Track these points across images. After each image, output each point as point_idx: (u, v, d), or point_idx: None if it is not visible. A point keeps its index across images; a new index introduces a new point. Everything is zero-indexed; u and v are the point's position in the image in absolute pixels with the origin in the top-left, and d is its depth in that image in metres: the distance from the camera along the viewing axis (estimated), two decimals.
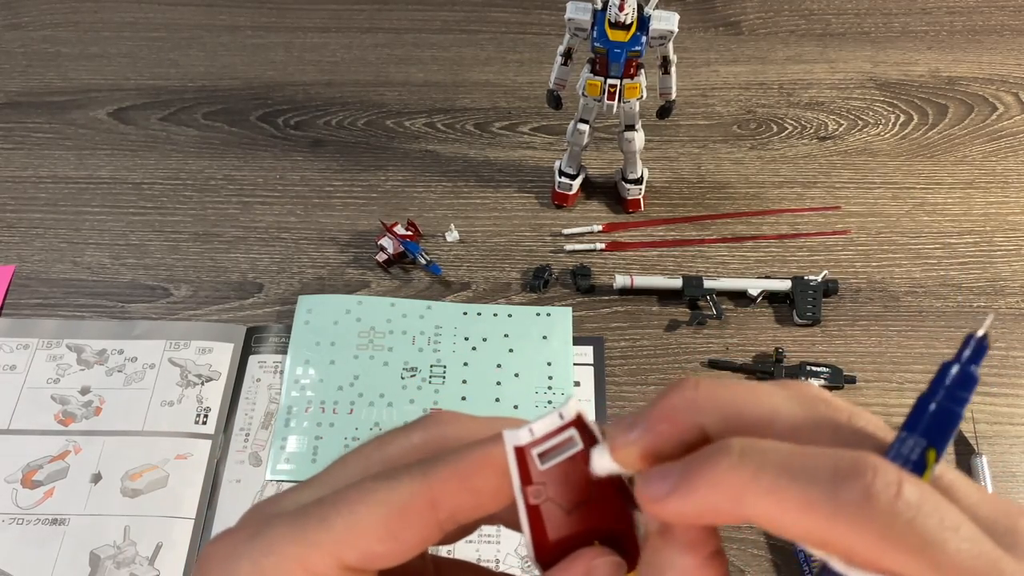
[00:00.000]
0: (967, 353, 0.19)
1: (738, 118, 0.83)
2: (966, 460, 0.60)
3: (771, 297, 0.68)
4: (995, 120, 0.83)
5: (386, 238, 0.70)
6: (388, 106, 0.84)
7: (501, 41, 0.90)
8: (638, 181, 0.73)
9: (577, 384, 0.64)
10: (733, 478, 0.18)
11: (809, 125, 0.82)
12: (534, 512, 0.21)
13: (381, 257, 0.70)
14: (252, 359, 0.65)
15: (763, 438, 0.19)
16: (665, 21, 0.62)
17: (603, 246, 0.72)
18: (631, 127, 0.69)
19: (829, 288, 0.68)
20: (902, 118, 0.83)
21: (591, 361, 0.65)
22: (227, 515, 0.57)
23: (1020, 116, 0.83)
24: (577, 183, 0.74)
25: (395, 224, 0.71)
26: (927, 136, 0.81)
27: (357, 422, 0.62)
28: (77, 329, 0.66)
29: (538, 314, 0.67)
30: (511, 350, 0.65)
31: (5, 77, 0.86)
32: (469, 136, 0.81)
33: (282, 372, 0.64)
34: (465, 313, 0.67)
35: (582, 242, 0.72)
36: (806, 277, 0.68)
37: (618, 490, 0.21)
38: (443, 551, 0.53)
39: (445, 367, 0.64)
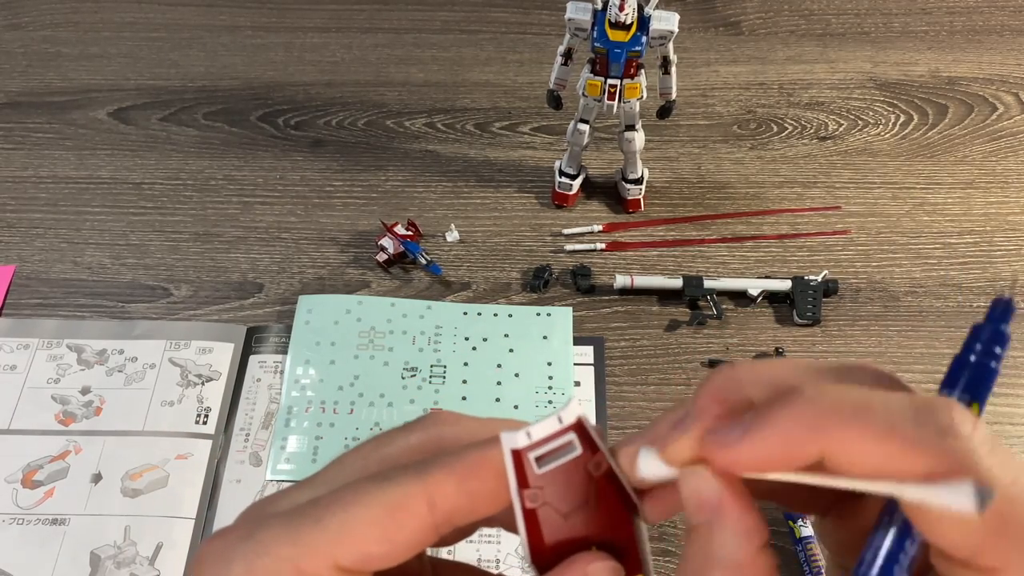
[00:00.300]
0: (997, 312, 0.21)
1: (738, 118, 0.83)
2: None
3: (771, 297, 0.68)
4: (995, 120, 0.83)
5: (386, 238, 0.70)
6: (388, 106, 0.84)
7: (501, 41, 0.90)
8: (638, 181, 0.73)
9: (577, 384, 0.64)
10: (811, 411, 0.19)
11: (809, 125, 0.82)
12: (530, 516, 0.21)
13: (381, 257, 0.70)
14: (252, 359, 0.65)
15: None
16: (665, 21, 0.62)
17: (603, 246, 0.72)
18: (631, 127, 0.70)
19: (829, 288, 0.68)
20: (902, 118, 0.83)
21: (591, 361, 0.65)
22: (227, 515, 0.57)
23: (1020, 116, 0.83)
24: (577, 183, 0.74)
25: (395, 224, 0.71)
26: (927, 136, 0.81)
27: (357, 422, 0.62)
28: (77, 329, 0.66)
29: (538, 314, 0.67)
30: (511, 350, 0.65)
31: (5, 77, 0.86)
32: (469, 136, 0.81)
33: (282, 372, 0.64)
34: (465, 313, 0.67)
35: (582, 242, 0.72)
36: (806, 277, 0.68)
37: (618, 496, 0.21)
38: (443, 552, 0.53)
39: (445, 367, 0.64)
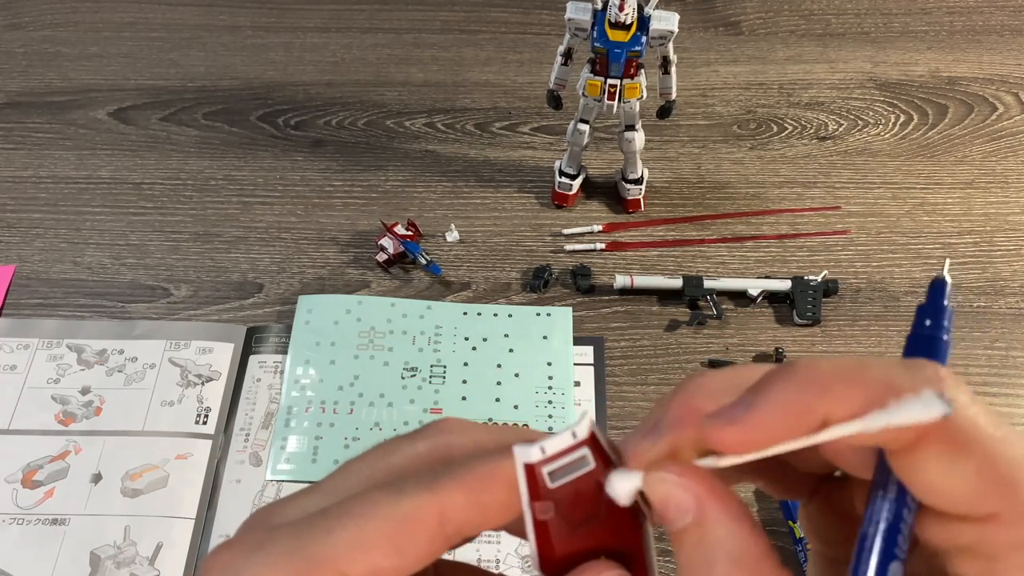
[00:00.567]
0: (936, 292, 0.23)
1: (738, 118, 0.83)
2: None
3: (771, 297, 0.68)
4: (995, 120, 0.83)
5: (386, 238, 0.70)
6: (388, 106, 0.84)
7: (501, 41, 0.90)
8: (638, 181, 0.73)
9: (577, 384, 0.64)
10: (809, 378, 0.19)
11: (809, 125, 0.82)
12: (541, 527, 0.21)
13: (381, 257, 0.70)
14: (252, 359, 0.65)
15: None
16: (665, 21, 0.62)
17: (603, 246, 0.72)
18: (631, 127, 0.70)
19: (829, 288, 0.68)
20: (902, 118, 0.83)
21: (591, 361, 0.65)
22: (227, 515, 0.57)
23: (1020, 116, 0.83)
24: (577, 183, 0.74)
25: (395, 224, 0.71)
26: (927, 136, 0.81)
27: (357, 422, 0.62)
28: (77, 329, 0.66)
29: (538, 314, 0.67)
30: (511, 350, 0.65)
31: (5, 77, 0.86)
32: (469, 136, 0.81)
33: (282, 372, 0.64)
34: (465, 313, 0.67)
35: (582, 242, 0.72)
36: (806, 277, 0.68)
37: (628, 507, 0.21)
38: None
39: (445, 367, 0.64)
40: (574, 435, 0.21)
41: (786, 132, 0.81)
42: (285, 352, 0.65)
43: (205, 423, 0.61)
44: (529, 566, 0.56)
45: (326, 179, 0.77)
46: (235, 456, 0.60)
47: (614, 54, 0.63)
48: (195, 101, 0.84)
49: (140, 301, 0.69)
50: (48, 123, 0.82)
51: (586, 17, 0.62)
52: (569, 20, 0.63)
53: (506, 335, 0.66)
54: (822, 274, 0.68)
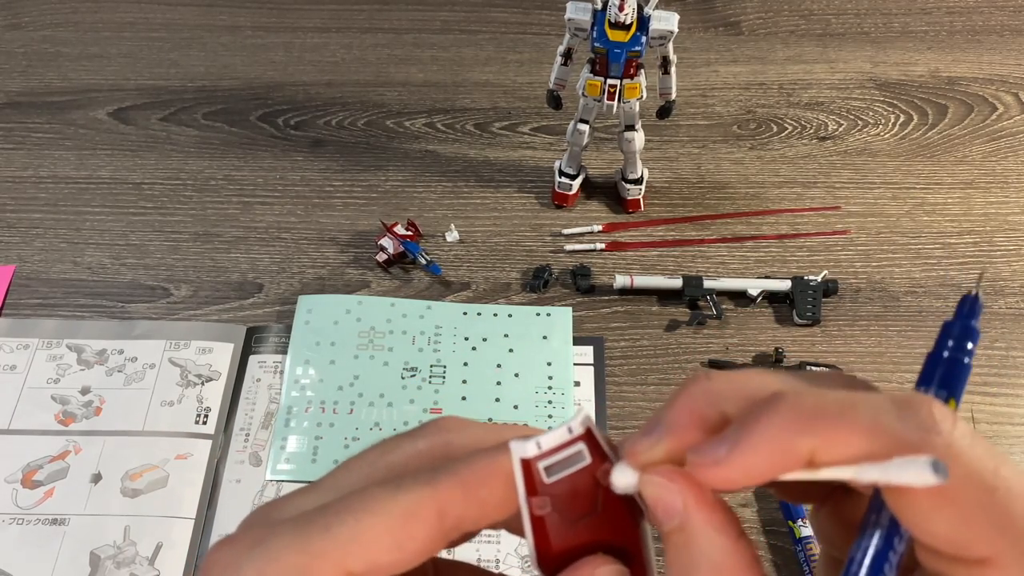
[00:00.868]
0: (965, 309, 0.22)
1: (738, 118, 0.83)
2: None
3: (771, 297, 0.68)
4: (995, 120, 0.83)
5: (386, 238, 0.70)
6: (388, 106, 0.84)
7: (501, 41, 0.90)
8: (638, 181, 0.73)
9: (577, 384, 0.64)
10: (796, 414, 0.19)
11: (809, 125, 0.82)
12: (538, 523, 0.21)
13: (381, 257, 0.70)
14: (252, 359, 0.65)
15: None
16: (665, 21, 0.62)
17: (603, 246, 0.72)
18: (631, 127, 0.70)
19: (829, 288, 0.68)
20: (902, 118, 0.83)
21: (591, 361, 0.65)
22: (227, 515, 0.57)
23: (1020, 116, 0.83)
24: (577, 183, 0.74)
25: (395, 224, 0.71)
26: (927, 136, 0.81)
27: (357, 422, 0.62)
28: (77, 329, 0.66)
29: (538, 314, 0.67)
30: (511, 350, 0.65)
31: (5, 77, 0.86)
32: (469, 136, 0.81)
33: (282, 372, 0.64)
34: (465, 313, 0.67)
35: (582, 242, 0.72)
36: (806, 277, 0.68)
37: (625, 502, 0.21)
38: (443, 552, 0.53)
39: (445, 367, 0.64)
40: (570, 430, 0.21)
41: (786, 132, 0.81)
42: (285, 352, 0.65)
43: (205, 423, 0.61)
44: (529, 566, 0.56)
45: (326, 179, 0.77)
46: (235, 456, 0.60)
47: (614, 54, 0.63)
48: (195, 101, 0.84)
49: (140, 301, 0.69)
50: (48, 123, 0.82)
51: (586, 17, 0.62)
52: (569, 20, 0.63)
53: (506, 335, 0.66)
54: (822, 274, 0.68)
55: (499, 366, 0.64)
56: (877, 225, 0.74)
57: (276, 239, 0.73)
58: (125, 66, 0.87)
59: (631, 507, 0.21)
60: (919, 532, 0.19)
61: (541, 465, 0.21)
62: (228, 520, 0.57)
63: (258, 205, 0.75)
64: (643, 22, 0.62)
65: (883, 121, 0.82)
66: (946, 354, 0.21)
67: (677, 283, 0.68)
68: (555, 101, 0.69)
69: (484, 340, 0.66)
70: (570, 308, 0.68)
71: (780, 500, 0.58)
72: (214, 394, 0.63)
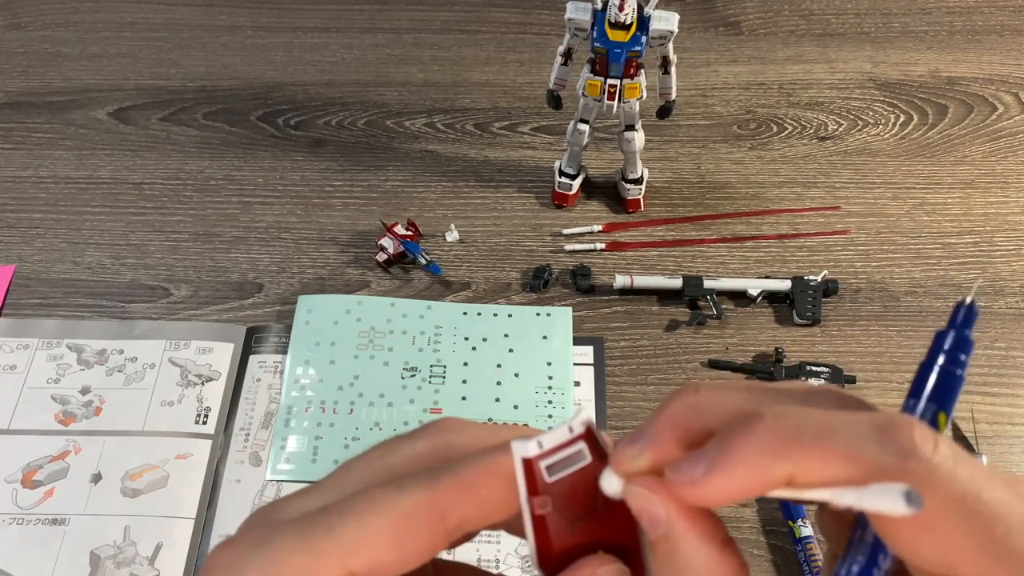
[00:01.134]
0: (959, 319, 0.21)
1: (738, 118, 0.83)
2: None
3: (771, 297, 0.68)
4: (995, 120, 0.83)
5: (386, 238, 0.70)
6: (388, 106, 0.84)
7: (501, 41, 0.90)
8: (638, 181, 0.73)
9: (577, 384, 0.64)
10: (772, 440, 0.19)
11: (809, 125, 0.82)
12: (539, 522, 0.21)
13: (381, 257, 0.70)
14: (252, 359, 0.65)
15: None
16: (665, 21, 0.62)
17: (603, 246, 0.72)
18: (631, 127, 0.70)
19: (829, 288, 0.68)
20: (902, 118, 0.83)
21: (591, 361, 0.65)
22: (227, 515, 0.57)
23: (1020, 116, 0.83)
24: (577, 183, 0.74)
25: (395, 224, 0.71)
26: (927, 136, 0.81)
27: (357, 422, 0.62)
28: (77, 329, 0.66)
29: (538, 314, 0.67)
30: (511, 350, 0.65)
31: (5, 77, 0.86)
32: (469, 136, 0.81)
33: (282, 372, 0.64)
34: (465, 313, 0.67)
35: (582, 242, 0.72)
36: (806, 277, 0.68)
37: (625, 503, 0.21)
38: (443, 552, 0.53)
39: (445, 367, 0.64)
40: (570, 430, 0.21)
41: (786, 132, 0.81)
42: (285, 352, 0.65)
43: (205, 423, 0.61)
44: (529, 566, 0.56)
45: (326, 179, 0.77)
46: (235, 456, 0.60)
47: (614, 54, 0.63)
48: (195, 101, 0.84)
49: (140, 301, 0.69)
50: (48, 123, 0.82)
51: (586, 17, 0.62)
52: (569, 20, 0.63)
53: (506, 335, 0.66)
54: (822, 274, 0.68)
55: (499, 366, 0.64)
56: (877, 225, 0.74)
57: (276, 239, 0.73)
58: (125, 66, 0.87)
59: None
60: (903, 554, 0.19)
61: (542, 464, 0.21)
62: (228, 520, 0.57)
63: (258, 205, 0.75)
64: (643, 22, 0.62)
65: (883, 121, 0.82)
66: (937, 366, 0.21)
67: (677, 283, 0.68)
68: (555, 101, 0.69)
69: (484, 340, 0.66)
70: (570, 308, 0.68)
71: (780, 501, 0.58)
72: (214, 394, 0.63)
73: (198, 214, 0.75)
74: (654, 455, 0.20)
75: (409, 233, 0.71)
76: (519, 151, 0.80)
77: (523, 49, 0.89)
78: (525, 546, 0.58)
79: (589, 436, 0.21)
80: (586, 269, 0.69)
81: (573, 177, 0.74)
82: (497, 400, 0.63)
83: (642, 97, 0.67)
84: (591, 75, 0.65)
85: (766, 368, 0.64)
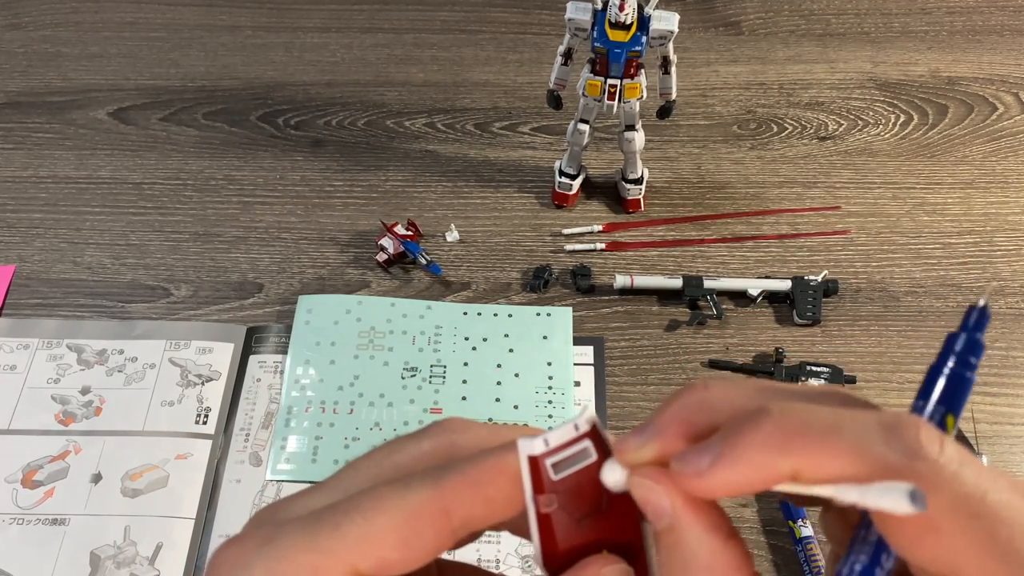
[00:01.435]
0: (971, 322, 0.21)
1: (738, 118, 0.83)
2: None
3: (771, 297, 0.68)
4: (995, 120, 0.83)
5: (386, 238, 0.70)
6: (388, 106, 0.84)
7: (501, 41, 0.90)
8: (638, 181, 0.73)
9: (577, 384, 0.64)
10: (779, 435, 0.19)
11: (809, 125, 0.82)
12: (545, 520, 0.21)
13: (381, 257, 0.70)
14: (252, 359, 0.65)
15: None
16: (665, 21, 0.62)
17: (603, 246, 0.72)
18: (631, 127, 0.70)
19: (829, 288, 0.68)
20: (902, 118, 0.83)
21: (591, 361, 0.65)
22: (227, 515, 0.57)
23: (1020, 116, 0.83)
24: (577, 183, 0.74)
25: (395, 224, 0.71)
26: (927, 136, 0.81)
27: (357, 422, 0.62)
28: (77, 329, 0.66)
29: (538, 314, 0.67)
30: (511, 350, 0.65)
31: (5, 77, 0.86)
32: (469, 136, 0.81)
33: (282, 372, 0.64)
34: (465, 313, 0.67)
35: (582, 242, 0.72)
36: (806, 277, 0.68)
37: (630, 501, 0.21)
38: (444, 552, 0.53)
39: (445, 367, 0.64)
40: (576, 428, 0.21)
41: (786, 132, 0.81)
42: (285, 352, 0.65)
43: (205, 423, 0.61)
44: (530, 566, 0.56)
45: (326, 179, 0.77)
46: (235, 456, 0.60)
47: (614, 54, 0.63)
48: (195, 101, 0.84)
49: (140, 301, 0.69)
50: (48, 123, 0.82)
51: (586, 17, 0.62)
52: (569, 20, 0.63)
53: (506, 335, 0.66)
54: (822, 274, 0.68)
55: (499, 366, 0.64)
56: (877, 225, 0.74)
57: (276, 239, 0.73)
58: (125, 66, 0.87)
59: (635, 505, 0.21)
60: (906, 555, 0.19)
61: (548, 462, 0.21)
62: (228, 520, 0.57)
63: (258, 205, 0.75)
64: (643, 22, 0.62)
65: (883, 121, 0.82)
66: (948, 368, 0.21)
67: (677, 283, 0.68)
68: (555, 101, 0.69)
69: (484, 340, 0.66)
70: (570, 308, 0.68)
71: (781, 501, 0.58)
72: (214, 394, 0.63)
73: (198, 214, 0.75)
74: (660, 447, 0.21)
75: (409, 233, 0.71)
76: (519, 151, 0.80)
77: (523, 49, 0.89)
78: (525, 546, 0.59)
79: (594, 434, 0.21)
80: (586, 269, 0.69)
81: (573, 177, 0.74)
82: (497, 400, 0.63)
83: (642, 97, 0.67)
84: (591, 75, 0.65)
85: (766, 368, 0.64)
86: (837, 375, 0.63)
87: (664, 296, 0.69)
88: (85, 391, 0.63)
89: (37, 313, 0.68)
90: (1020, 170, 0.78)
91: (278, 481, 0.59)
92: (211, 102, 0.84)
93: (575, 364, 0.65)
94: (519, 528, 0.22)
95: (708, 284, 0.68)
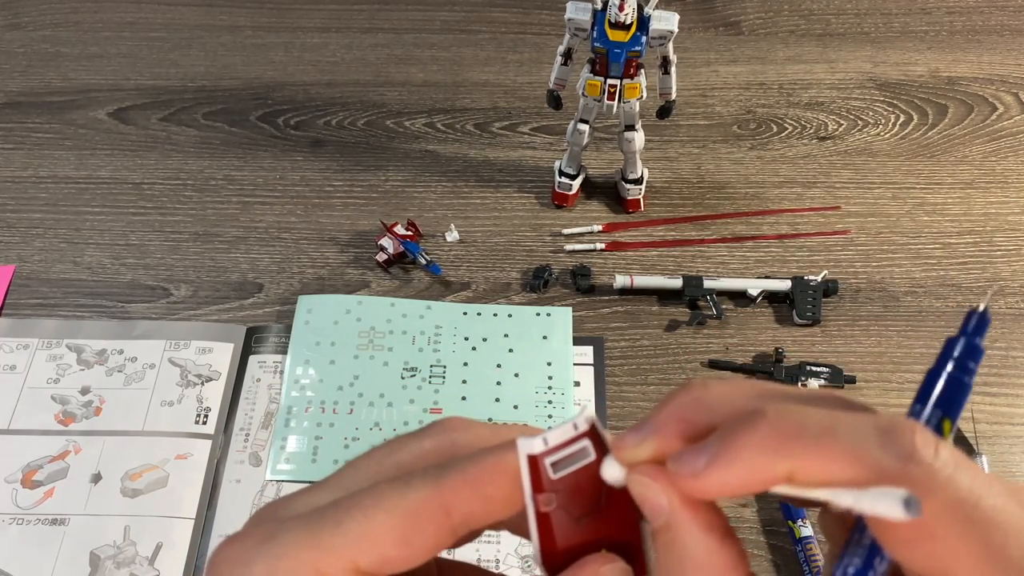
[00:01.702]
0: (971, 326, 0.20)
1: (738, 118, 0.83)
2: None
3: (771, 297, 0.68)
4: (995, 120, 0.83)
5: (386, 238, 0.70)
6: (388, 106, 0.84)
7: (501, 41, 0.90)
8: (638, 181, 0.73)
9: (577, 384, 0.64)
10: (774, 436, 0.19)
11: (809, 125, 0.82)
12: (544, 519, 0.21)
13: (381, 257, 0.70)
14: (252, 359, 0.65)
15: None
16: (665, 21, 0.62)
17: (603, 246, 0.72)
18: (631, 127, 0.69)
19: (829, 288, 0.68)
20: (902, 118, 0.83)
21: (591, 361, 0.65)
22: (227, 515, 0.57)
23: (1020, 116, 0.83)
24: (577, 183, 0.74)
25: (395, 224, 0.71)
26: (927, 136, 0.81)
27: (357, 422, 0.62)
28: (77, 329, 0.66)
29: (538, 314, 0.67)
30: (511, 350, 0.65)
31: (5, 77, 0.86)
32: (469, 136, 0.81)
33: (282, 372, 0.64)
34: (465, 313, 0.67)
35: (582, 242, 0.72)
36: (806, 277, 0.68)
37: (628, 500, 0.21)
38: (444, 552, 0.53)
39: (445, 367, 0.64)
40: (575, 427, 0.21)
41: (786, 132, 0.81)
42: (285, 352, 0.65)
43: (205, 423, 0.61)
44: (529, 566, 0.56)
45: (326, 179, 0.77)
46: (235, 456, 0.60)
47: (614, 54, 0.63)
48: (195, 101, 0.84)
49: (140, 301, 0.69)
50: (48, 123, 0.82)
51: (586, 17, 0.62)
52: (569, 20, 0.63)
53: (506, 335, 0.66)
54: (822, 274, 0.68)
55: (499, 366, 0.64)
56: (877, 225, 0.74)
57: (276, 239, 0.73)
58: (125, 66, 0.87)
59: (633, 504, 0.21)
60: (900, 558, 0.19)
61: (547, 461, 0.21)
62: (228, 520, 0.57)
63: (258, 205, 0.75)
64: (643, 22, 0.62)
65: (883, 121, 0.82)
66: (946, 373, 0.20)
67: (677, 283, 0.68)
68: (555, 101, 0.69)
69: (484, 340, 0.66)
70: (570, 308, 0.68)
71: (781, 501, 0.58)
72: (214, 394, 0.63)
73: (198, 214, 0.75)
74: (657, 445, 0.21)
75: (409, 233, 0.71)
76: (519, 151, 0.80)
77: (523, 49, 0.89)
78: (525, 546, 0.58)
79: (593, 434, 0.21)
80: (586, 269, 0.69)
81: (573, 177, 0.74)
82: (497, 400, 0.63)
83: (642, 97, 0.67)
84: (591, 75, 0.65)
85: (766, 368, 0.64)
86: (837, 375, 0.63)
87: (664, 296, 0.69)
88: (85, 391, 0.63)
89: (37, 313, 0.68)
90: (1020, 170, 0.78)
91: (278, 481, 0.59)
92: (211, 102, 0.84)
93: (575, 364, 0.65)
94: (519, 527, 0.22)
95: (708, 284, 0.68)
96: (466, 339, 0.66)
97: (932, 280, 0.70)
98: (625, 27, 0.62)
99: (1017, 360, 0.65)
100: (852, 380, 0.64)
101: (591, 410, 0.22)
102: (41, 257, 0.71)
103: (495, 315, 0.67)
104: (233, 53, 0.89)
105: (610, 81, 0.65)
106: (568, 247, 0.72)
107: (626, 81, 0.65)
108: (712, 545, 0.20)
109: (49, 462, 0.60)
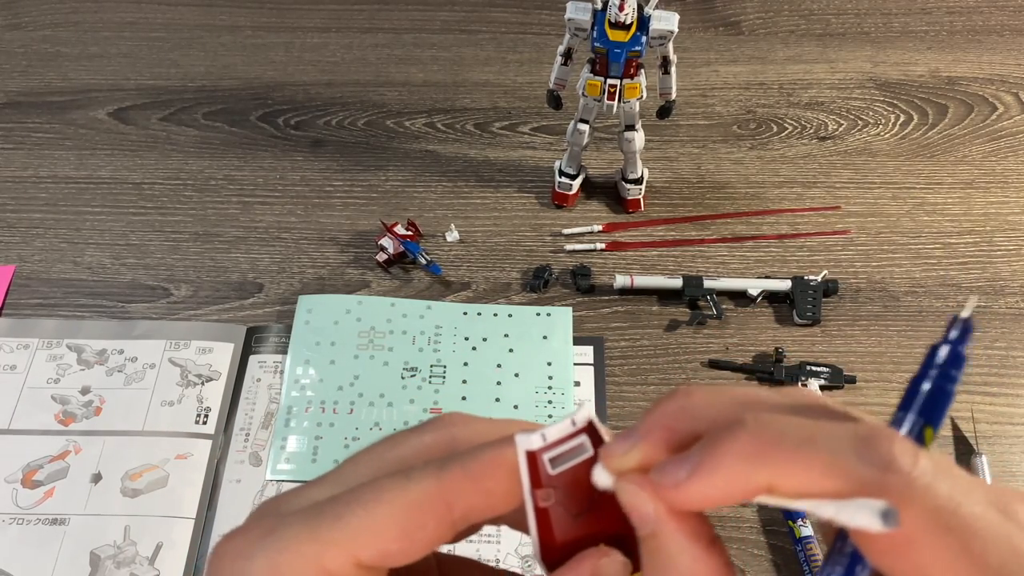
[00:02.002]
0: (954, 334, 0.20)
1: (738, 118, 0.83)
2: (966, 460, 0.60)
3: (771, 297, 0.68)
4: (995, 120, 0.83)
5: (386, 238, 0.70)
6: (388, 106, 0.84)
7: (501, 41, 0.90)
8: (638, 181, 0.73)
9: (577, 384, 0.64)
10: (754, 447, 0.19)
11: (809, 125, 0.82)
12: (542, 514, 0.21)
13: (381, 257, 0.70)
14: (252, 359, 0.65)
15: None
16: (665, 21, 0.62)
17: (603, 246, 0.72)
18: (631, 127, 0.70)
19: (829, 288, 0.68)
20: (902, 118, 0.83)
21: (591, 361, 0.65)
22: (227, 515, 0.57)
23: (1020, 116, 0.83)
24: (577, 183, 0.74)
25: (395, 224, 0.71)
26: (927, 136, 0.81)
27: (357, 422, 0.62)
28: (77, 329, 0.66)
29: (538, 314, 0.67)
30: (511, 350, 0.65)
31: (5, 77, 0.86)
32: (469, 136, 0.81)
33: (282, 372, 0.64)
34: (465, 313, 0.67)
35: (582, 242, 0.72)
36: (806, 277, 0.68)
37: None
38: (444, 548, 0.53)
39: (445, 367, 0.64)
40: (573, 423, 0.22)
41: (786, 132, 0.81)
42: (285, 352, 0.65)
43: (205, 423, 0.61)
44: (530, 566, 0.56)
45: (326, 179, 0.77)
46: (235, 456, 0.60)
47: (614, 54, 0.63)
48: (195, 101, 0.84)
49: (140, 301, 0.69)
50: (48, 123, 0.82)
51: (586, 17, 0.62)
52: (569, 20, 0.63)
53: (506, 335, 0.66)
54: (822, 274, 0.68)
55: (499, 366, 0.64)
56: (877, 225, 0.74)
57: (276, 239, 0.73)
58: (125, 66, 0.87)
59: None
60: (881, 567, 0.19)
61: (546, 457, 0.21)
62: (228, 520, 0.57)
63: (258, 205, 0.75)
64: (643, 22, 0.62)
65: (883, 121, 0.82)
66: (927, 381, 0.20)
67: (677, 283, 0.68)
68: (555, 101, 0.69)
69: (484, 340, 0.66)
70: (570, 308, 0.68)
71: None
72: (214, 394, 0.63)
73: (198, 214, 0.75)
74: (643, 453, 0.21)
75: (409, 233, 0.71)
76: (519, 151, 0.80)
77: (523, 49, 0.89)
78: (525, 546, 0.59)
79: (591, 430, 0.22)
80: (586, 269, 0.69)
81: (573, 177, 0.74)
82: (497, 400, 0.63)
83: (642, 97, 0.67)
84: (591, 75, 0.65)
85: (766, 368, 0.64)
86: (837, 375, 0.63)
87: (664, 296, 0.69)
88: (85, 391, 0.63)
89: (37, 313, 0.68)
90: (1020, 170, 0.78)
91: (278, 481, 0.59)
92: (211, 102, 0.84)
93: (575, 364, 0.65)
94: (518, 522, 0.22)
95: (708, 284, 0.68)
96: (466, 339, 0.66)
97: (932, 280, 0.70)
98: (625, 27, 0.62)
99: (1017, 360, 0.65)
100: (852, 380, 0.64)
101: (590, 407, 0.22)
102: (41, 257, 0.72)
103: (495, 315, 0.67)
104: (233, 53, 0.89)
105: (610, 81, 0.65)
106: (568, 247, 0.72)
107: (626, 81, 0.65)
108: (698, 554, 0.20)
109: (49, 462, 0.60)
